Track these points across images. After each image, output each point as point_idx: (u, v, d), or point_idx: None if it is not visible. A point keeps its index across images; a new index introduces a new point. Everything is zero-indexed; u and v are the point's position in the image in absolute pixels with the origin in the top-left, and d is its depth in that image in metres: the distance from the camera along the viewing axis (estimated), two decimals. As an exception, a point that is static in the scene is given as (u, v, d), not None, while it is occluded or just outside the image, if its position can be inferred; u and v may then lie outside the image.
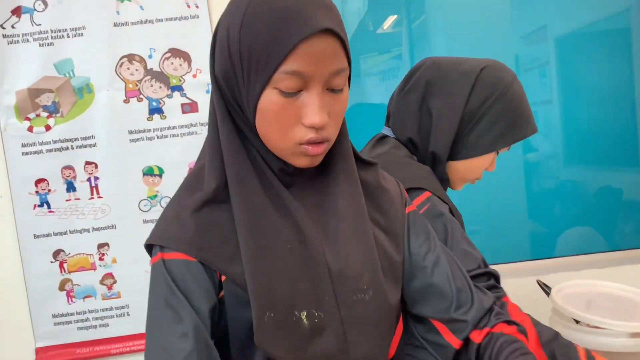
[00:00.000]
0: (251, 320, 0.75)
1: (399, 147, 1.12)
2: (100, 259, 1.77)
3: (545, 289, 1.45)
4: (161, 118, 1.75)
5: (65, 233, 1.75)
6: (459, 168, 1.11)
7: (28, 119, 1.71)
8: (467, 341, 0.87)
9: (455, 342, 0.87)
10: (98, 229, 1.76)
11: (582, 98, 2.13)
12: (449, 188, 1.18)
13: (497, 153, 1.11)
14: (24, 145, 1.71)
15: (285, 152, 0.78)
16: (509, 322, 0.88)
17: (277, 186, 0.81)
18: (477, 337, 0.86)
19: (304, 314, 0.77)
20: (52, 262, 1.75)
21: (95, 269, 1.77)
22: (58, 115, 1.72)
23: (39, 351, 1.76)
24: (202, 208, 0.78)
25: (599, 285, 1.43)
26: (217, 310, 0.77)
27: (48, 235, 1.74)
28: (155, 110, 1.75)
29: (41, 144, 1.71)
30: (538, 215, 2.20)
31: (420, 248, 0.91)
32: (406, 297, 0.91)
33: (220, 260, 0.76)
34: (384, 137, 1.17)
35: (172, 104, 1.75)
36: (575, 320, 1.34)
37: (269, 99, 0.73)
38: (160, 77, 1.74)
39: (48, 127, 1.71)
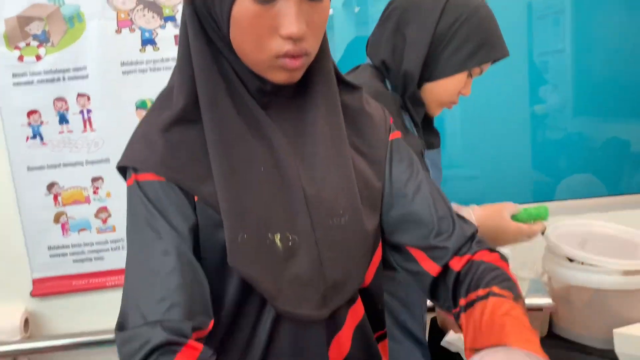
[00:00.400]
0: (224, 241, 0.73)
1: (366, 69, 1.16)
2: (95, 192, 1.76)
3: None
4: (154, 50, 1.70)
5: (59, 166, 1.73)
6: (433, 90, 1.15)
7: (18, 48, 1.67)
8: (445, 269, 0.86)
9: (433, 269, 0.86)
10: (92, 162, 1.74)
11: (596, 48, 2.06)
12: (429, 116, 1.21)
13: (471, 76, 1.15)
14: (14, 76, 1.67)
15: (262, 66, 0.74)
16: (491, 250, 0.86)
17: (252, 106, 0.78)
18: (456, 264, 0.85)
19: (277, 237, 0.76)
20: (46, 194, 1.74)
21: (89, 202, 1.76)
22: (49, 44, 1.67)
23: (35, 282, 1.78)
24: (171, 127, 0.75)
25: (595, 225, 1.42)
26: (196, 230, 0.75)
27: (41, 167, 1.73)
28: (148, 41, 1.70)
29: (32, 74, 1.67)
30: (542, 164, 2.18)
31: (402, 175, 0.89)
32: (385, 225, 0.89)
33: (190, 181, 0.74)
34: (358, 66, 1.20)
35: (165, 35, 1.70)
36: (568, 259, 1.33)
37: (243, 6, 0.69)
38: (152, 6, 1.68)
39: (39, 57, 1.67)
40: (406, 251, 0.89)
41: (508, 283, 0.79)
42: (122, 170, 0.78)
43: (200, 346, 0.69)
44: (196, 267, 0.73)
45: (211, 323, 0.74)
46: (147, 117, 0.80)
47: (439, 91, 1.14)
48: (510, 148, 2.14)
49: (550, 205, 2.10)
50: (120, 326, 0.69)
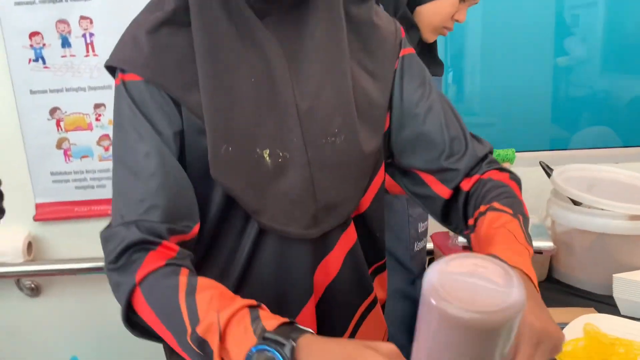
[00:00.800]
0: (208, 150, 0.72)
1: None
2: (97, 119, 1.74)
3: (547, 170, 1.39)
4: (159, -28, 1.64)
5: (61, 91, 1.71)
6: (425, 13, 1.15)
7: (19, -35, 1.62)
8: (456, 191, 0.83)
9: (444, 192, 0.83)
10: (94, 88, 1.71)
11: (631, 4, 1.97)
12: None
13: (464, 1, 1.14)
14: (15, -6, 1.63)
15: None
16: (501, 169, 0.83)
17: (247, 13, 0.74)
18: (466, 185, 0.82)
19: (266, 152, 0.73)
20: (48, 119, 1.72)
21: (92, 129, 1.74)
22: (50, -37, 1.62)
23: (38, 207, 1.79)
24: (159, 29, 0.72)
25: (603, 170, 1.37)
26: (182, 138, 0.73)
27: (44, 91, 1.70)
28: (153, -37, 1.63)
29: (34, -7, 1.63)
30: (561, 116, 2.13)
31: (414, 94, 0.84)
32: (395, 147, 0.86)
33: (175, 86, 0.72)
34: None
35: (171, -43, 1.63)
36: (574, 202, 1.29)
37: None
38: None
39: (40, -24, 1.62)
40: (417, 176, 0.86)
41: (511, 200, 0.76)
42: (111, 70, 0.76)
43: (176, 248, 0.68)
44: (179, 171, 0.72)
45: (196, 228, 0.73)
46: (138, 17, 0.77)
47: (430, 14, 1.14)
48: (530, 99, 2.10)
49: (563, 154, 2.09)
50: (107, 226, 0.71)
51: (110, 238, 0.69)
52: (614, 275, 1.16)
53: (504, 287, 0.45)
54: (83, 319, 1.84)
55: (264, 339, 0.55)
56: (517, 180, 0.83)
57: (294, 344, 0.54)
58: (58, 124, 1.73)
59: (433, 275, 0.45)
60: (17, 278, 1.80)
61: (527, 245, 0.69)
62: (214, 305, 0.60)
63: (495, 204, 0.75)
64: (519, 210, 0.75)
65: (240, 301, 0.60)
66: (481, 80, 2.18)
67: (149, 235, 0.67)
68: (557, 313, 1.16)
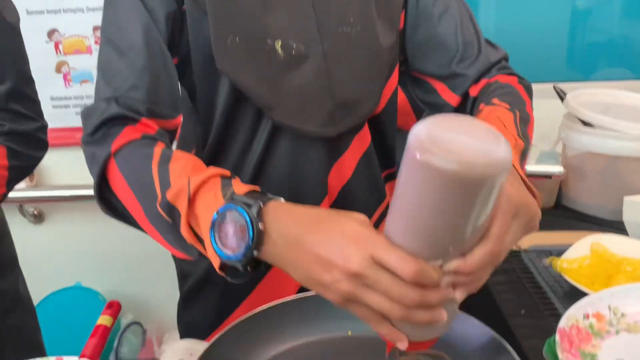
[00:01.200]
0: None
1: None
2: (97, 42, 1.69)
3: (561, 94, 1.35)
4: None
5: (59, 11, 1.65)
6: None
7: None
8: (465, 97, 0.80)
9: (453, 99, 0.81)
10: (93, 9, 1.65)
11: None
12: None
13: None
14: None
15: None
16: (511, 74, 0.79)
17: None
18: (474, 90, 0.79)
19: (278, 44, 0.70)
20: (47, 42, 1.68)
21: (91, 52, 1.70)
22: None
23: (39, 132, 1.76)
24: None
25: (618, 95, 1.32)
26: (177, 21, 0.70)
27: (41, 12, 1.65)
28: None
29: None
30: (578, 57, 2.05)
31: None
32: (408, 50, 0.83)
33: None
34: None
35: None
36: (585, 124, 1.25)
37: None
38: None
39: None
40: (426, 83, 0.84)
41: (512, 98, 0.73)
42: None
43: (156, 127, 0.67)
44: (166, 56, 0.69)
45: (178, 118, 0.70)
46: None
47: None
48: (546, 39, 2.02)
49: (578, 85, 2.03)
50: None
51: (89, 113, 0.67)
52: (625, 197, 1.13)
53: (490, 144, 0.42)
54: (87, 246, 1.84)
55: (232, 200, 0.53)
56: (526, 85, 0.80)
57: (262, 205, 0.51)
58: (56, 47, 1.69)
59: (419, 130, 0.43)
60: (20, 204, 1.79)
61: (517, 138, 0.66)
62: (186, 172, 0.58)
63: (494, 100, 0.72)
64: (518, 106, 0.72)
65: (213, 169, 0.58)
66: (495, 18, 2.11)
67: (128, 111, 0.65)
68: (564, 236, 1.14)
